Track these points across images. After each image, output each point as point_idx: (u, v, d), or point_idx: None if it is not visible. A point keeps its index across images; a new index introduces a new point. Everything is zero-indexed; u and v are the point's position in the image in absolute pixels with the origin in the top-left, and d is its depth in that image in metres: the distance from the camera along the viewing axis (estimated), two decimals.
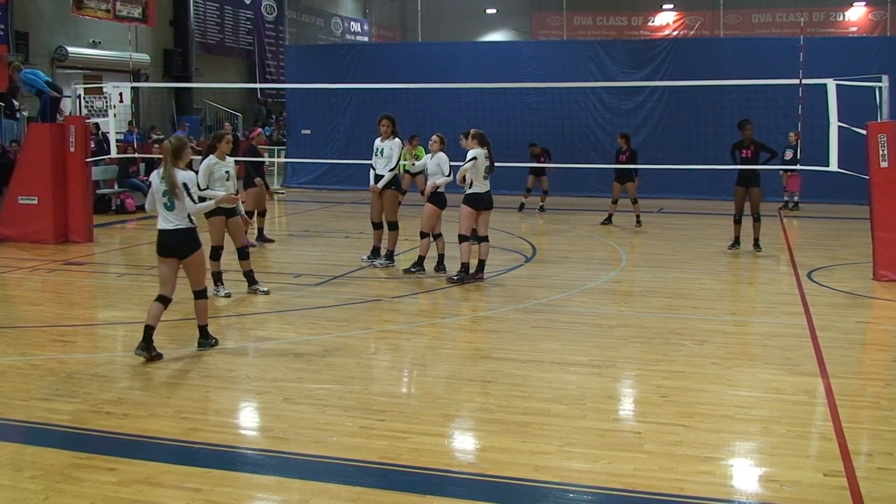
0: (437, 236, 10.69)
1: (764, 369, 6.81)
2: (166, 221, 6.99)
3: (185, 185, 6.86)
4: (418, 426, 5.53)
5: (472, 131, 10.29)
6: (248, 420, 5.89)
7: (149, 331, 6.88)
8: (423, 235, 10.63)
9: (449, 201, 10.73)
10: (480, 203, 10.10)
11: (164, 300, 7.04)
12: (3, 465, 4.92)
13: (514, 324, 8.38)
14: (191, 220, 6.99)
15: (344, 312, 8.80)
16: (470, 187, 10.08)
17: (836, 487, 4.62)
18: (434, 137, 10.75)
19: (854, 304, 9.34)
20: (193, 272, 7.14)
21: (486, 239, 10.27)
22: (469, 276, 10.18)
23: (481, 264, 10.27)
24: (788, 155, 16.03)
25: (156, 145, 18.41)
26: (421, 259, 10.66)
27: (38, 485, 4.63)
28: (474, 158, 9.91)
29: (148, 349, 6.86)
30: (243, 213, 9.56)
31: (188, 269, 7.11)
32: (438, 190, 10.51)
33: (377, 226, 11.24)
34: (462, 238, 10.20)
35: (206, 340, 7.31)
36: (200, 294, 7.25)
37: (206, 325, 7.35)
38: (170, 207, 6.92)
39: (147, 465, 4.88)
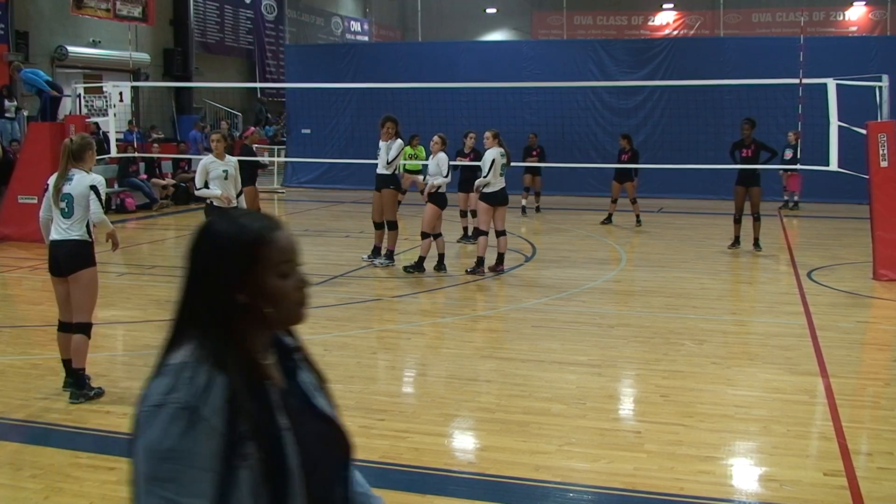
0: (437, 236, 10.74)
1: (764, 369, 6.81)
2: (59, 231, 5.90)
3: (93, 187, 5.90)
4: (418, 426, 5.53)
5: (490, 132, 10.70)
6: None
7: (68, 364, 6.03)
8: (424, 236, 10.67)
9: (450, 201, 10.84)
10: (497, 200, 10.54)
11: (65, 327, 6.05)
12: (3, 465, 4.92)
13: (514, 323, 8.38)
14: (88, 233, 5.93)
15: (344, 312, 8.80)
16: (485, 186, 10.49)
17: (836, 487, 4.62)
18: (435, 138, 10.86)
19: (854, 304, 9.34)
20: (78, 295, 5.87)
21: (503, 233, 10.66)
22: (489, 268, 10.62)
23: (500, 257, 10.64)
24: (788, 155, 16.00)
25: (155, 145, 18.42)
26: (421, 259, 10.69)
27: (38, 484, 4.63)
28: (493, 161, 10.37)
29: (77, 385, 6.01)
30: None
31: (72, 291, 5.87)
32: (440, 191, 10.59)
33: (378, 225, 11.25)
34: (479, 232, 10.78)
35: (80, 391, 5.85)
36: (82, 328, 5.89)
37: (84, 368, 5.91)
38: (67, 214, 5.88)
39: None
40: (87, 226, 5.96)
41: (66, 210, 5.90)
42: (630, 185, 15.29)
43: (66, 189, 5.90)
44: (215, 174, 9.17)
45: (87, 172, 6.00)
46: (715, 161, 15.01)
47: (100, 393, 6.02)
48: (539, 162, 16.89)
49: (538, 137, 17.33)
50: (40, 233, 6.27)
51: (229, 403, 1.61)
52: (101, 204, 5.97)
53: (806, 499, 4.50)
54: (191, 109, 24.24)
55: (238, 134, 21.75)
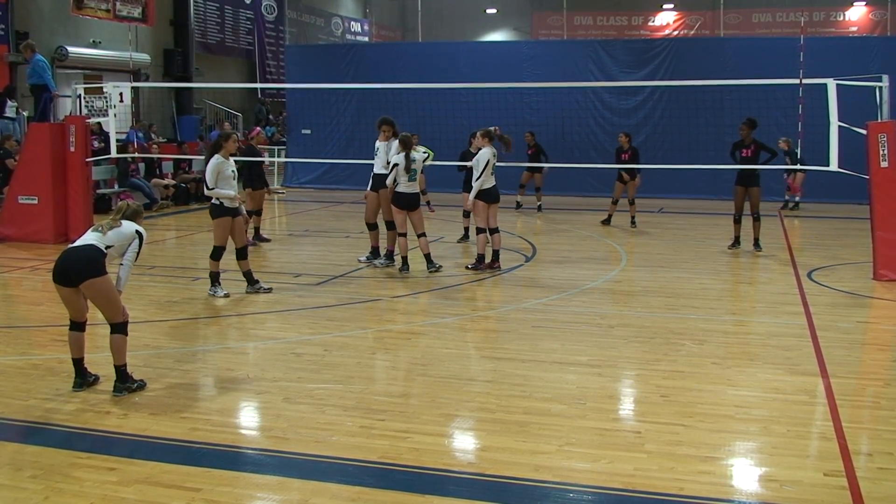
0: (420, 235, 10.77)
1: (764, 369, 6.81)
2: (82, 239, 6.22)
3: (139, 233, 6.28)
4: (418, 426, 5.53)
5: (482, 131, 11.07)
6: (248, 420, 5.88)
7: (78, 364, 6.21)
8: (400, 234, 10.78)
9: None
10: (491, 197, 10.79)
11: (77, 326, 6.19)
12: (3, 465, 4.92)
13: (514, 324, 8.38)
14: (104, 249, 6.09)
15: (344, 312, 8.80)
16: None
17: (836, 487, 4.62)
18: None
19: (854, 304, 9.34)
20: (99, 303, 6.09)
21: (496, 230, 10.88)
22: (485, 265, 10.82)
23: (496, 254, 10.87)
24: (790, 162, 15.88)
25: (155, 146, 18.40)
26: (404, 258, 10.74)
27: (38, 484, 4.64)
28: (487, 162, 10.62)
29: (83, 380, 6.22)
30: (244, 212, 9.60)
31: (91, 299, 6.10)
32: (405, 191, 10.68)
33: (372, 226, 11.24)
34: (478, 230, 10.94)
35: (123, 384, 6.11)
36: (116, 328, 6.13)
37: (125, 364, 6.15)
38: (99, 230, 6.21)
39: (147, 465, 4.88)
40: (107, 248, 6.13)
41: (102, 229, 6.20)
42: (632, 184, 15.22)
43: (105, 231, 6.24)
44: (226, 173, 9.18)
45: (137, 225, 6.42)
46: (715, 161, 15.00)
47: (142, 385, 6.22)
48: (536, 160, 16.89)
49: (535, 136, 17.32)
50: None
51: None
52: (138, 255, 6.32)
53: (806, 499, 4.50)
54: (191, 110, 24.27)
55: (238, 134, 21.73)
